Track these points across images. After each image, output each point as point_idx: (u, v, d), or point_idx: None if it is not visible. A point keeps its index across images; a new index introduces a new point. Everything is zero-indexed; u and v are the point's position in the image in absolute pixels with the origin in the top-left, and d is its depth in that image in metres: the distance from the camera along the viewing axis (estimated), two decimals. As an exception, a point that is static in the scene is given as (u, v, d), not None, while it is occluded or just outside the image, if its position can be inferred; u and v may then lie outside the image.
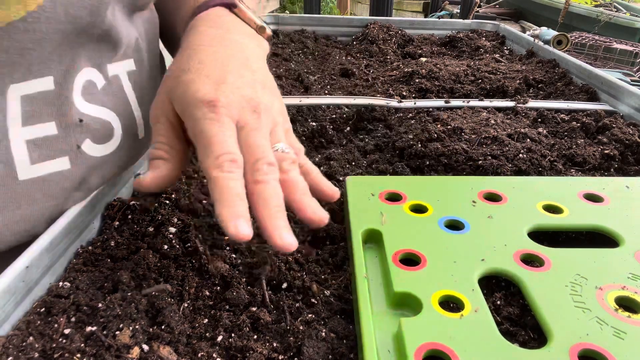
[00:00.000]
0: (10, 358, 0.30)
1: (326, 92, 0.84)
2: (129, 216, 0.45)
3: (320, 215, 0.36)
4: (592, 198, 0.47)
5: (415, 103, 0.74)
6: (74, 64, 0.43)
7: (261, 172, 0.35)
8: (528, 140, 0.62)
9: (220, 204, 0.32)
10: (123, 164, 0.49)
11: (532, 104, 0.75)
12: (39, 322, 0.33)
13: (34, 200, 0.41)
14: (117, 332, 0.32)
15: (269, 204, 0.34)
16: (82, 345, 0.31)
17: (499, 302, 0.37)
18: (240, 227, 0.31)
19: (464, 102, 0.75)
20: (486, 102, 0.75)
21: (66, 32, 0.40)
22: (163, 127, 0.40)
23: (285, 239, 0.33)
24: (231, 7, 0.50)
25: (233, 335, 0.34)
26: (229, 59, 0.42)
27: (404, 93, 0.81)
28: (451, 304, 0.34)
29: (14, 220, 0.41)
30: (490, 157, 0.57)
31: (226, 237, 0.44)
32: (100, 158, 0.46)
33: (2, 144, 0.39)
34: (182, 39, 0.46)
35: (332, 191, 0.42)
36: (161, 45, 0.60)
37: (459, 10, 2.92)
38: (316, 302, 0.37)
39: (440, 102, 0.75)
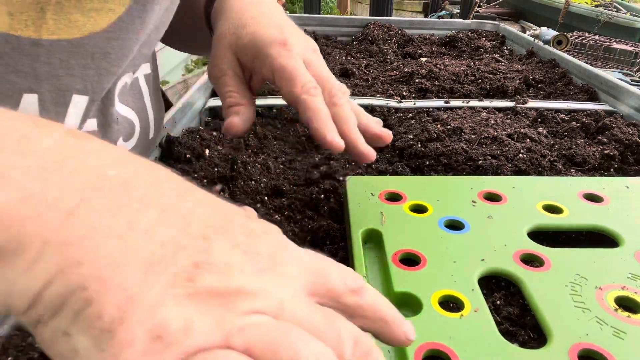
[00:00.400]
0: (10, 358, 0.30)
1: (326, 92, 0.84)
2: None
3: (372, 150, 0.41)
4: (592, 198, 0.47)
5: (415, 103, 0.74)
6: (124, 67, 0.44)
7: (338, 96, 0.41)
8: (528, 140, 0.62)
9: (315, 122, 0.38)
10: None
11: (532, 104, 0.75)
12: (39, 322, 0.33)
13: None
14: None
15: (348, 121, 0.40)
16: (82, 345, 0.31)
17: (498, 302, 0.37)
18: (336, 139, 0.38)
19: (463, 102, 0.75)
20: (486, 102, 0.75)
21: (139, 41, 0.42)
22: (230, 79, 0.43)
23: (368, 148, 0.40)
24: None
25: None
26: (272, 12, 0.46)
27: (404, 93, 0.81)
28: (451, 304, 0.34)
29: None
30: (490, 157, 0.57)
31: None
32: None
33: None
34: (219, 10, 0.49)
35: (384, 132, 0.44)
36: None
37: (459, 10, 2.92)
38: (316, 302, 0.37)
39: (440, 102, 0.75)
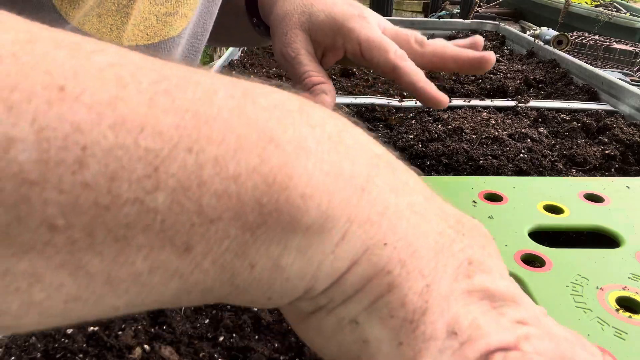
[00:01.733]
0: (13, 358, 0.30)
1: (327, 92, 0.84)
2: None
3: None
4: (593, 198, 0.47)
5: (416, 103, 0.74)
6: None
7: (421, 42, 0.47)
8: (529, 140, 0.62)
9: (419, 84, 0.44)
10: None
11: (533, 104, 0.75)
12: (41, 322, 0.34)
13: None
14: (119, 333, 0.32)
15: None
16: (85, 345, 0.32)
17: (500, 302, 0.37)
18: (441, 94, 0.45)
19: (464, 102, 0.75)
20: (487, 102, 0.75)
21: (203, 43, 0.44)
22: (306, 58, 0.44)
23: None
24: None
25: (234, 335, 0.34)
26: None
27: (405, 93, 0.81)
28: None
29: None
30: (490, 157, 0.57)
31: None
32: None
33: None
34: None
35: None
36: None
37: (459, 10, 2.92)
38: (317, 302, 0.37)
39: (440, 102, 0.75)
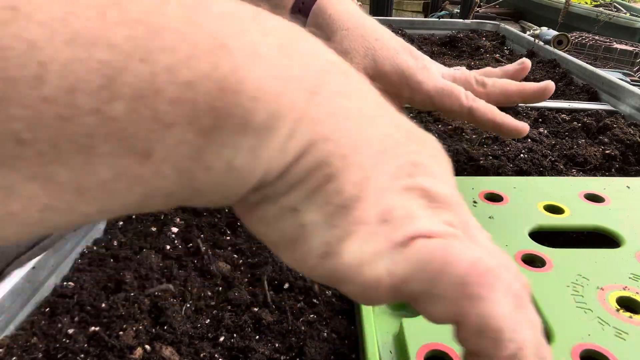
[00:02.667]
0: (15, 358, 0.30)
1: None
2: (133, 216, 0.46)
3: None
4: (593, 198, 0.47)
5: (416, 103, 0.74)
6: None
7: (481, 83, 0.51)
8: (529, 140, 0.62)
9: (498, 119, 0.47)
10: None
11: (533, 103, 0.75)
12: (43, 322, 0.34)
13: None
14: (121, 333, 0.32)
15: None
16: (86, 345, 0.32)
17: (500, 303, 0.37)
18: (521, 123, 0.48)
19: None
20: (487, 103, 0.75)
21: None
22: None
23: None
24: None
25: (235, 335, 0.34)
26: (384, 31, 0.49)
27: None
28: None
29: None
30: (491, 157, 0.57)
31: (228, 238, 0.44)
32: None
33: None
34: (325, 19, 0.48)
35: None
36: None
37: (459, 10, 2.92)
38: (318, 302, 0.37)
39: (441, 103, 0.75)
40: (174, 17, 0.16)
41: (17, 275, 0.34)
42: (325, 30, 0.47)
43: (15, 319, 0.34)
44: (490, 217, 0.43)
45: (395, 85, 0.46)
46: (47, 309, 0.35)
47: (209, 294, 0.37)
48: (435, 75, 0.47)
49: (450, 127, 0.64)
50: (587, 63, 0.89)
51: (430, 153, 0.23)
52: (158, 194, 0.17)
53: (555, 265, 0.38)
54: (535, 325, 0.20)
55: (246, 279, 0.39)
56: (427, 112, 0.72)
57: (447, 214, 0.21)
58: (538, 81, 0.86)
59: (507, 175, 0.55)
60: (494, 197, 0.47)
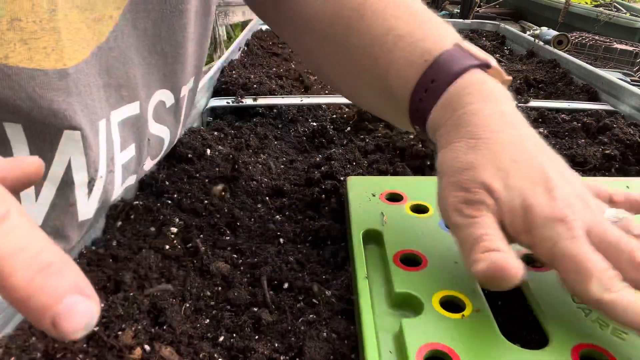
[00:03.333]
0: (13, 358, 0.30)
1: (326, 92, 0.84)
2: (132, 216, 0.45)
3: None
4: (593, 198, 0.47)
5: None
6: (153, 86, 0.43)
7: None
8: (529, 140, 0.62)
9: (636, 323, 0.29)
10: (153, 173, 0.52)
11: (533, 104, 0.75)
12: (41, 322, 0.33)
13: None
14: (120, 333, 0.32)
15: None
16: (85, 345, 0.32)
17: (500, 303, 0.37)
18: None
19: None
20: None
21: (139, 48, 0.39)
22: (492, 225, 0.32)
23: None
24: (485, 67, 0.38)
25: (234, 335, 0.34)
26: (532, 150, 0.34)
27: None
28: (452, 305, 0.35)
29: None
30: (491, 158, 0.57)
31: (227, 237, 0.44)
32: (148, 171, 0.48)
33: (113, 172, 0.40)
34: (452, 116, 0.36)
35: None
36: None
37: (459, 10, 2.92)
38: (317, 302, 0.37)
39: (440, 102, 0.75)
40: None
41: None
42: (454, 130, 0.36)
43: (13, 319, 0.34)
44: (490, 217, 0.43)
45: (518, 226, 0.33)
46: (46, 309, 0.35)
47: (209, 294, 0.37)
48: (573, 236, 0.31)
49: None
50: (587, 63, 0.89)
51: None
52: None
53: (555, 265, 0.38)
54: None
55: (245, 279, 0.39)
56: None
57: None
58: (538, 81, 0.87)
59: (507, 175, 0.55)
60: (493, 197, 0.47)
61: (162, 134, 0.47)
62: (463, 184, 0.34)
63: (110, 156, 0.39)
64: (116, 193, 0.42)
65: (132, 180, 0.45)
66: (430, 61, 0.38)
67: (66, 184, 0.36)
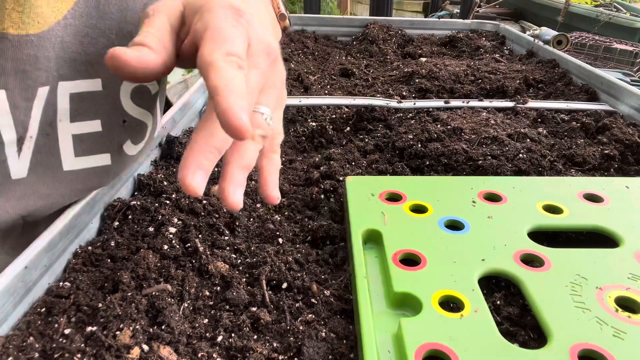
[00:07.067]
0: (11, 358, 0.30)
1: (326, 92, 0.84)
2: (129, 216, 0.45)
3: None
4: (592, 198, 0.47)
5: (415, 103, 0.74)
6: None
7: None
8: (528, 140, 0.62)
9: (224, 91, 0.28)
10: (140, 162, 0.53)
11: (532, 104, 0.75)
12: (39, 322, 0.33)
13: (76, 191, 0.44)
14: (118, 332, 0.32)
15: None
16: (83, 345, 0.31)
17: (498, 302, 0.37)
18: (244, 119, 0.28)
19: (463, 102, 0.75)
20: (486, 102, 0.75)
21: (102, 28, 0.41)
22: (160, 22, 0.34)
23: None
24: None
25: (233, 335, 0.34)
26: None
27: (404, 93, 0.81)
28: (451, 304, 0.34)
29: (57, 205, 0.43)
30: (490, 157, 0.57)
31: (226, 237, 0.44)
32: (133, 157, 0.48)
33: (51, 136, 0.41)
34: None
35: (273, 196, 0.36)
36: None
37: (459, 10, 2.92)
38: (316, 302, 0.37)
39: (440, 103, 0.75)
40: None
41: (9, 275, 0.34)
42: None
43: (9, 319, 0.34)
44: (489, 217, 0.43)
45: (194, 10, 0.34)
46: (43, 309, 0.35)
47: (207, 293, 0.37)
48: (235, 25, 0.33)
49: (449, 127, 0.64)
50: (586, 63, 0.89)
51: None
52: None
53: (554, 265, 0.38)
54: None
55: (244, 279, 0.39)
56: (426, 112, 0.72)
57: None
58: (537, 81, 0.87)
59: (506, 175, 0.55)
60: (493, 197, 0.47)
61: (144, 118, 0.48)
62: None
63: (48, 121, 0.40)
64: (71, 163, 0.43)
65: (104, 158, 0.45)
66: None
67: None
